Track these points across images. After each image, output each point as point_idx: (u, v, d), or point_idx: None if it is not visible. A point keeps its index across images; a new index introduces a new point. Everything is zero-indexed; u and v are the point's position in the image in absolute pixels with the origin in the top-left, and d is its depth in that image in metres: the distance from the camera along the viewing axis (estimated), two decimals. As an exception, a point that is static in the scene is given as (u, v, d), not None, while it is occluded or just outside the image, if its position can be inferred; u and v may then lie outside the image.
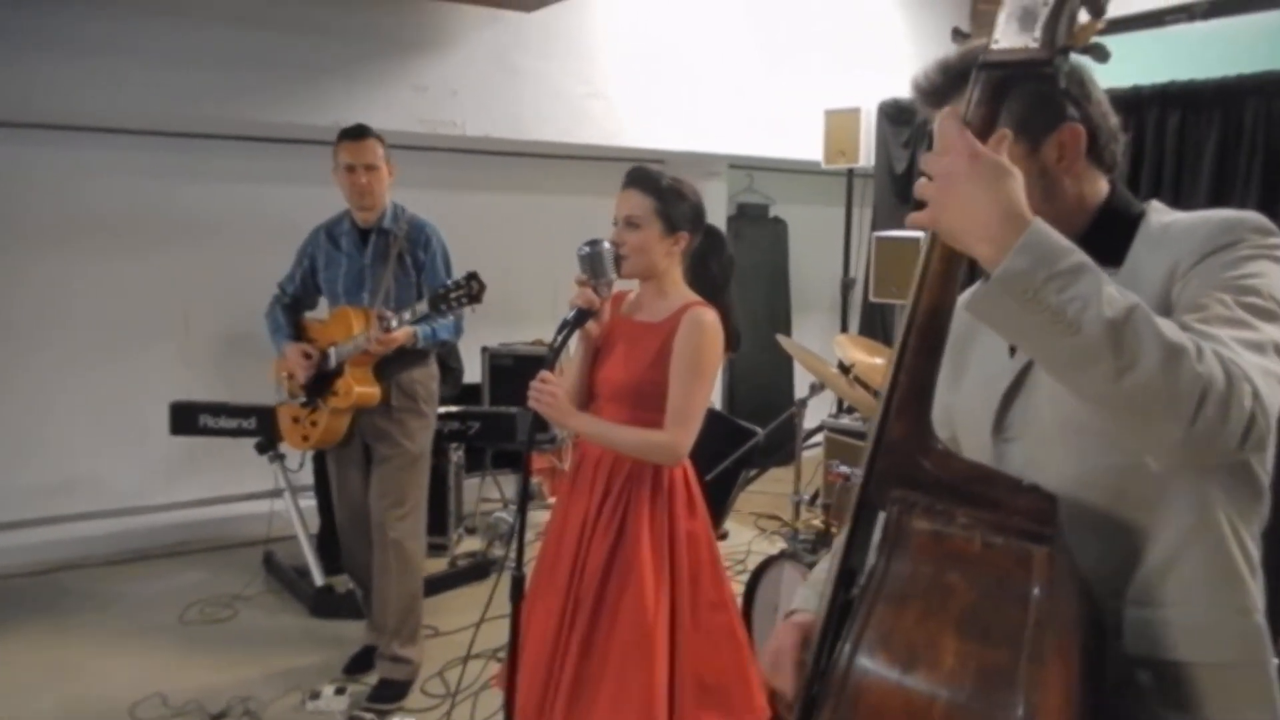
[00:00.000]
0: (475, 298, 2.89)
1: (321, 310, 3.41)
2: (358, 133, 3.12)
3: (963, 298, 1.01)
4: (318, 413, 3.22)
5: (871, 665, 0.85)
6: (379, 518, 3.19)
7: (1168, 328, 0.90)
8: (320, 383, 3.20)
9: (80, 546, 4.28)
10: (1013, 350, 1.17)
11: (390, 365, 3.16)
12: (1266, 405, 0.90)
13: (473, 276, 2.89)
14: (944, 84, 1.14)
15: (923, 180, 0.97)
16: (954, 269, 0.98)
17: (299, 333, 3.34)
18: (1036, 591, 0.87)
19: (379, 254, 3.17)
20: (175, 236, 4.42)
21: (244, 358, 4.54)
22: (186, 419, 3.91)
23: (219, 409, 3.90)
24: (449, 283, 2.91)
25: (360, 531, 3.34)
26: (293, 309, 3.35)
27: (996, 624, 0.85)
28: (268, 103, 3.91)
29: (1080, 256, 0.92)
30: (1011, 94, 1.01)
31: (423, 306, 2.92)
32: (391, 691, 3.17)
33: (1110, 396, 0.90)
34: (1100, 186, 1.15)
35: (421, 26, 4.17)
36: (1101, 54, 0.95)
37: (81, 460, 4.33)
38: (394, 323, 2.96)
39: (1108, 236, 1.11)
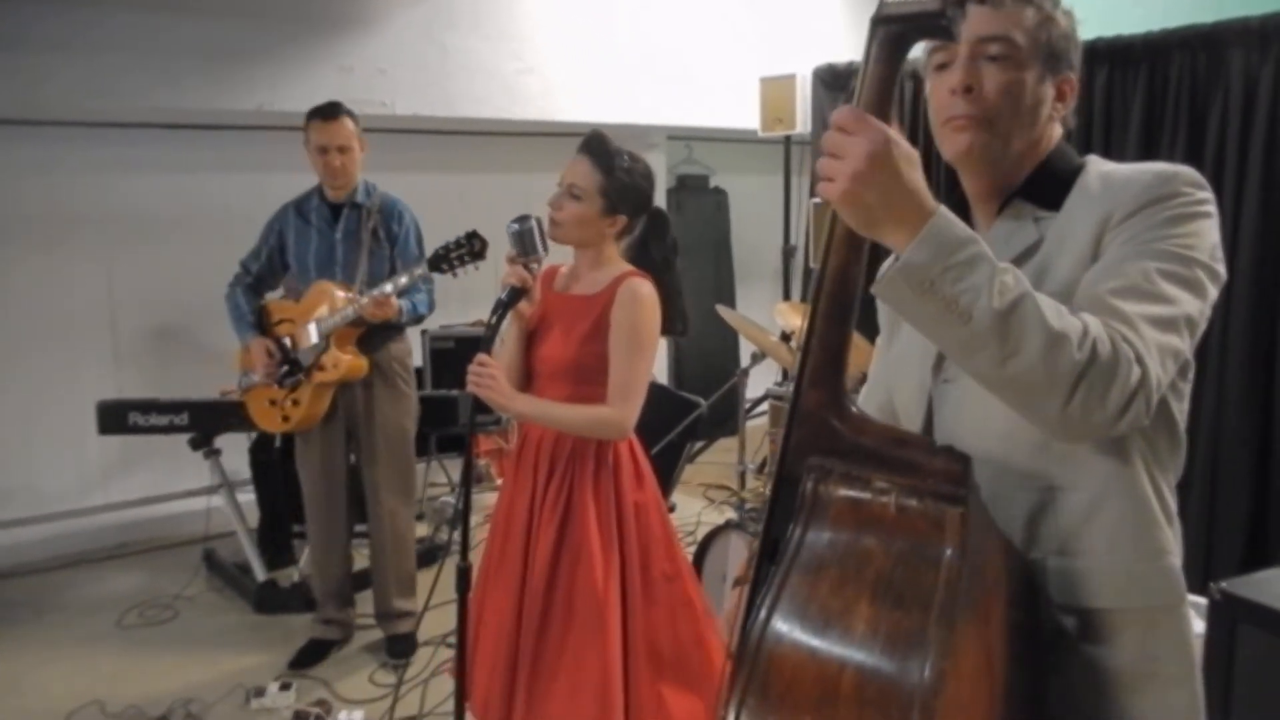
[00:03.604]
0: (479, 255, 2.83)
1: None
2: (329, 112, 3.09)
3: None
4: (299, 390, 3.15)
5: (785, 634, 0.84)
6: (368, 489, 3.26)
7: (1054, 315, 0.93)
8: (303, 358, 3.13)
9: (14, 554, 4.15)
10: None
11: (370, 340, 3.15)
12: (1151, 386, 0.95)
13: (474, 235, 2.82)
14: None
15: (828, 160, 0.93)
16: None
17: (261, 317, 3.26)
18: (949, 554, 0.86)
19: (351, 229, 3.17)
20: (99, 229, 4.28)
21: (176, 352, 4.43)
22: (115, 418, 3.77)
23: (149, 406, 3.77)
24: (449, 242, 2.84)
25: (334, 504, 3.30)
26: (254, 289, 3.28)
27: (910, 588, 0.85)
28: (190, 89, 3.80)
29: (977, 247, 0.93)
30: (1055, 22, 1.09)
31: (421, 269, 2.87)
32: (407, 645, 3.28)
33: (994, 379, 0.95)
34: (1055, 139, 1.18)
35: (346, 5, 4.07)
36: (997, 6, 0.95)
37: (12, 465, 4.18)
38: (389, 288, 2.93)
39: (1050, 182, 1.14)
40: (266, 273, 3.28)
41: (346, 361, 3.08)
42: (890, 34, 0.94)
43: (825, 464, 0.94)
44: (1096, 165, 1.15)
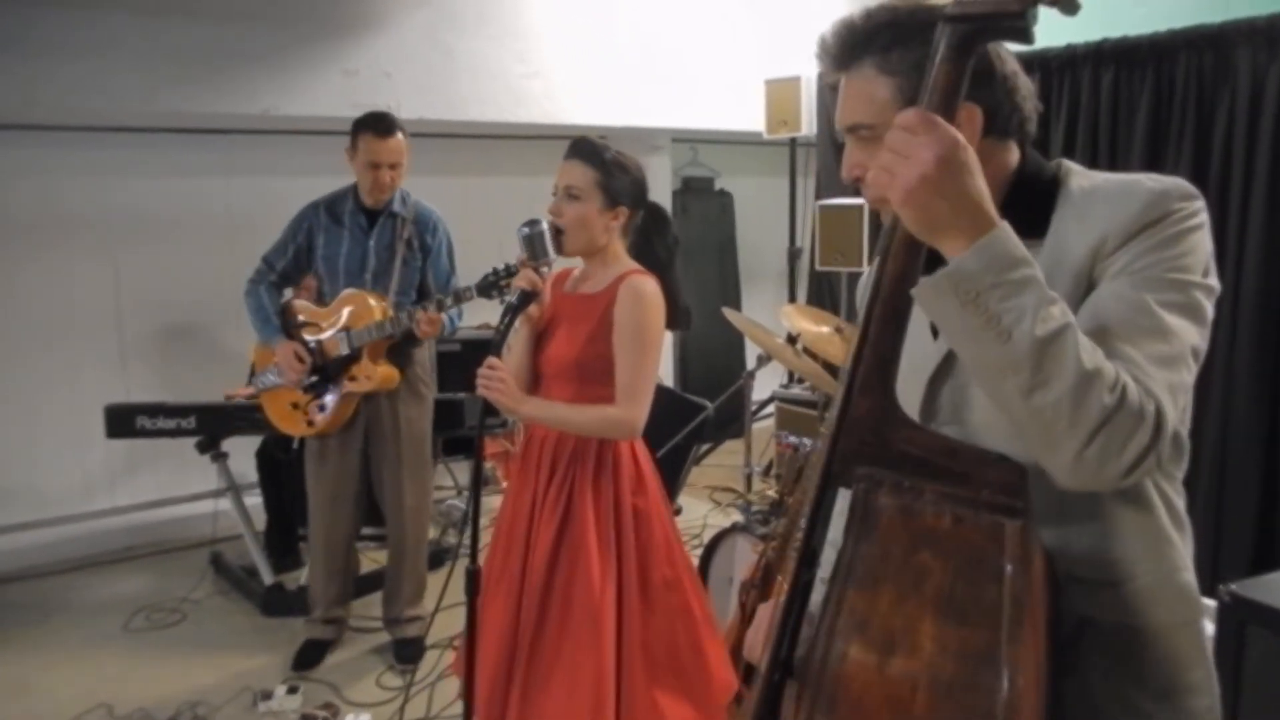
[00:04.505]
0: None
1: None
2: (383, 128, 3.06)
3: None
4: (326, 398, 3.14)
5: (849, 653, 0.83)
6: (389, 498, 3.29)
7: (1090, 354, 0.91)
8: (332, 367, 3.11)
9: (20, 558, 4.14)
10: (935, 333, 1.14)
11: (399, 350, 3.17)
12: (1166, 439, 0.93)
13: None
14: (846, 48, 1.09)
15: (891, 158, 0.91)
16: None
17: (286, 317, 3.23)
18: (1010, 568, 0.85)
19: (386, 238, 3.16)
20: (106, 232, 4.27)
21: (182, 354, 4.44)
22: (123, 422, 3.76)
23: (156, 409, 3.76)
24: (500, 269, 2.83)
25: (346, 508, 3.31)
26: (276, 287, 3.24)
27: (973, 604, 0.83)
28: (194, 93, 3.78)
29: (1031, 270, 0.91)
30: (910, 77, 0.98)
31: (470, 294, 2.83)
32: (415, 649, 3.30)
33: (1018, 409, 0.92)
34: (1009, 157, 1.12)
35: (351, 8, 4.06)
36: (1070, 6, 0.89)
37: (19, 469, 4.18)
38: (431, 306, 2.96)
39: (1026, 207, 1.08)
40: (292, 270, 3.23)
41: (380, 373, 3.09)
42: (962, 32, 0.90)
43: (875, 474, 0.92)
44: (1076, 178, 1.10)
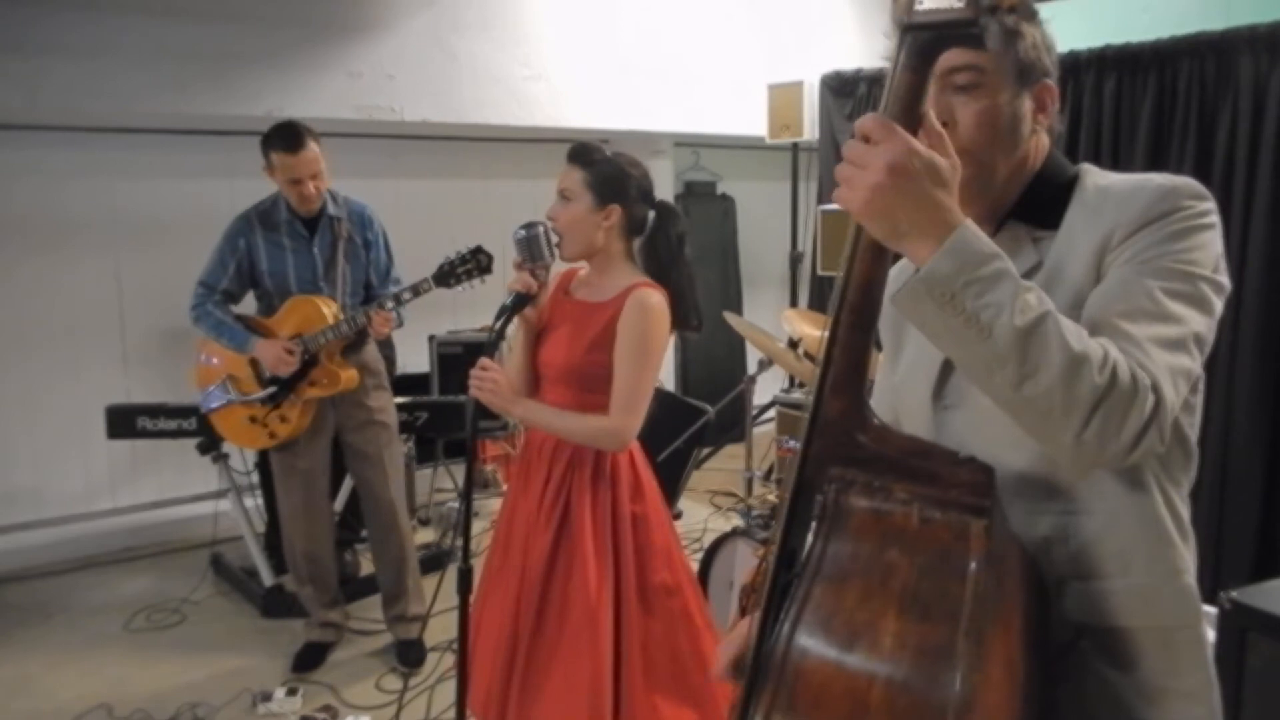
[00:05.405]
0: (485, 269, 2.84)
1: (245, 305, 3.29)
2: (293, 143, 2.95)
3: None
4: (286, 407, 3.10)
5: (811, 647, 0.83)
6: (378, 493, 3.26)
7: (1075, 338, 0.91)
8: (291, 375, 3.08)
9: (22, 558, 4.15)
10: None
11: (352, 348, 3.16)
12: (1166, 413, 0.93)
13: (479, 250, 2.83)
14: None
15: (848, 169, 0.92)
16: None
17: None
18: (974, 566, 0.85)
19: (327, 241, 3.13)
20: (108, 234, 4.30)
21: (185, 356, 4.43)
22: (124, 422, 3.78)
23: (157, 410, 3.78)
24: (454, 257, 2.82)
25: (325, 513, 3.31)
26: (222, 306, 3.16)
27: (936, 601, 0.84)
28: (197, 94, 3.79)
29: (1002, 263, 0.92)
30: (1021, 35, 1.04)
31: (426, 285, 2.87)
32: (419, 651, 3.26)
33: (1011, 401, 0.93)
34: (1044, 149, 1.15)
35: (354, 10, 4.07)
36: (1027, 15, 0.94)
37: (20, 469, 4.20)
38: (389, 303, 2.97)
39: (1045, 198, 1.11)
40: (236, 289, 3.15)
41: (343, 376, 3.07)
42: (920, 41, 0.92)
43: (846, 474, 0.93)
44: (1093, 177, 1.12)
